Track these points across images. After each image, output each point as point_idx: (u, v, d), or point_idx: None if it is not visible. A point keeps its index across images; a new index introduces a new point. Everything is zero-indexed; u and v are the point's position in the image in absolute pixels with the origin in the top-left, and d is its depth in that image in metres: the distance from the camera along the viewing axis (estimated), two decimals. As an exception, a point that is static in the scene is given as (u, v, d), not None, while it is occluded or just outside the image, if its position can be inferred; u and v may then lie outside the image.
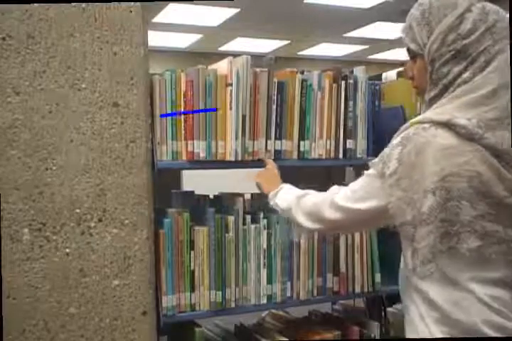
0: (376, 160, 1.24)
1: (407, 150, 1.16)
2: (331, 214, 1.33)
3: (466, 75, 1.18)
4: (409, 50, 1.29)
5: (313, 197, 1.43)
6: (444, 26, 1.20)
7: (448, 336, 1.15)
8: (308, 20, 7.34)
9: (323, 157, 1.84)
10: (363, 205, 1.26)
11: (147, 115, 1.58)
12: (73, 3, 1.46)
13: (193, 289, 1.70)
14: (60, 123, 1.47)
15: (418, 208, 1.15)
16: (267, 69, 1.72)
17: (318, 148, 1.83)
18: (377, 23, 7.56)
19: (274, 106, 1.75)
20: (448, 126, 1.14)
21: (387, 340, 2.00)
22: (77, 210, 1.49)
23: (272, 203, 1.56)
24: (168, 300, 1.66)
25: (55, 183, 1.46)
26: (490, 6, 1.23)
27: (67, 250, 1.48)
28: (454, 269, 1.17)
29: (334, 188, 1.39)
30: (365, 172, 1.28)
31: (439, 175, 1.12)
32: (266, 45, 8.88)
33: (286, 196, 1.52)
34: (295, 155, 1.80)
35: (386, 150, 1.22)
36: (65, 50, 1.46)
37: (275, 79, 1.74)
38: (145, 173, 1.56)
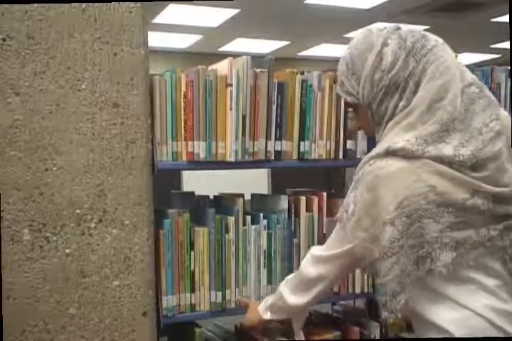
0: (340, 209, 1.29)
1: (359, 192, 1.19)
2: (316, 270, 1.39)
3: (402, 104, 1.19)
4: (348, 104, 1.34)
5: (289, 277, 1.54)
6: (367, 69, 1.22)
7: None
8: (309, 20, 7.33)
9: (323, 157, 1.84)
10: (338, 250, 1.32)
11: (147, 116, 1.58)
12: (73, 4, 1.46)
13: (193, 290, 1.70)
14: (60, 123, 1.47)
15: (380, 243, 1.15)
16: (267, 70, 1.72)
17: (318, 148, 1.83)
18: (378, 23, 7.57)
19: (274, 107, 1.75)
20: (389, 153, 1.15)
21: (387, 340, 2.00)
22: (77, 211, 1.48)
23: (269, 315, 1.58)
24: (168, 301, 1.66)
25: (55, 184, 1.46)
26: (405, 30, 1.24)
27: (67, 250, 1.48)
28: (429, 295, 1.15)
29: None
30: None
31: (394, 203, 1.12)
32: (266, 46, 8.87)
33: (267, 299, 1.59)
34: (295, 156, 1.80)
35: (345, 198, 1.26)
36: (65, 51, 1.46)
37: (275, 80, 1.74)
38: (145, 174, 1.56)
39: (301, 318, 1.59)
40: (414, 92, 1.18)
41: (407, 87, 1.18)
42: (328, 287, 1.46)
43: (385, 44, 1.21)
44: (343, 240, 1.28)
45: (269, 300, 1.58)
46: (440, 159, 1.12)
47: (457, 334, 1.12)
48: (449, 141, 1.14)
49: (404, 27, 1.26)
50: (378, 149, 1.19)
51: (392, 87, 1.20)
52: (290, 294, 1.48)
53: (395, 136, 1.17)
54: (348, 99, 1.29)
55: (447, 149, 1.13)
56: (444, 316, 1.14)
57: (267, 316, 1.57)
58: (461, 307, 1.13)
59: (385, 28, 1.25)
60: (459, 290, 1.14)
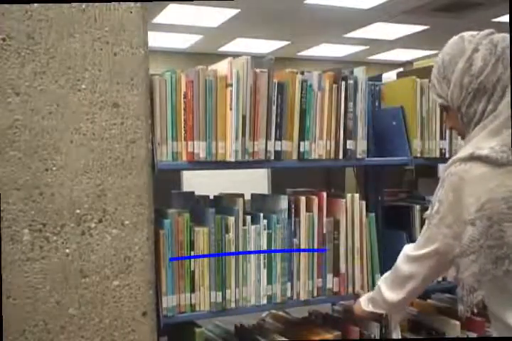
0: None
1: (444, 191, 1.25)
2: (408, 268, 1.43)
3: (490, 108, 1.24)
4: (440, 105, 1.38)
5: (387, 274, 1.57)
6: (457, 73, 1.27)
7: None
8: (309, 20, 7.34)
9: (323, 158, 1.84)
10: (426, 249, 1.35)
11: (147, 116, 1.58)
12: (73, 4, 1.46)
13: (193, 290, 1.70)
14: (60, 123, 1.47)
15: (461, 241, 1.20)
16: (267, 70, 1.72)
17: (318, 148, 1.83)
18: (378, 23, 7.56)
19: (274, 107, 1.75)
20: (474, 158, 1.20)
21: (387, 340, 2.00)
22: (77, 211, 1.49)
23: (371, 307, 1.64)
24: (168, 301, 1.66)
25: (55, 184, 1.46)
26: (497, 36, 1.28)
27: (68, 250, 1.48)
28: (506, 296, 1.19)
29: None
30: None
31: (476, 205, 1.17)
32: (266, 46, 8.88)
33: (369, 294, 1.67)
34: (295, 156, 1.80)
35: (433, 197, 1.31)
36: (65, 51, 1.46)
37: (275, 80, 1.74)
38: (145, 174, 1.56)
39: (398, 314, 1.64)
40: (502, 97, 1.22)
41: (495, 91, 1.23)
42: (421, 285, 1.49)
43: (475, 50, 1.25)
44: (430, 239, 1.32)
45: (371, 292, 1.65)
46: None
47: None
48: None
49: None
50: (464, 152, 1.24)
51: (481, 91, 1.24)
52: (386, 289, 1.53)
53: (481, 141, 1.22)
54: (439, 101, 1.34)
55: None
56: None
57: (369, 308, 1.63)
58: None
59: (478, 33, 1.29)
60: None
